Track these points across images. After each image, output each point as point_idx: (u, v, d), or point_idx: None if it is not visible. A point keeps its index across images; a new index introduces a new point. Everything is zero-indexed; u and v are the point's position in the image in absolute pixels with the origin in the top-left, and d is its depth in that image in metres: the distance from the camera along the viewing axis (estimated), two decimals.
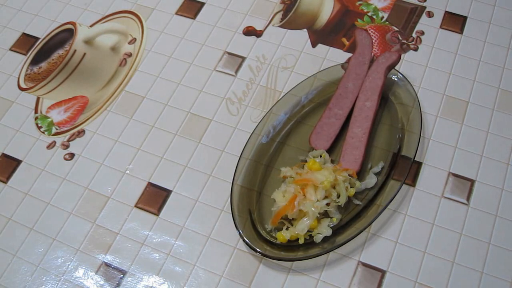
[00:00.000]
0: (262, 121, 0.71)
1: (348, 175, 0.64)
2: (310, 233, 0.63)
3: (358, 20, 0.82)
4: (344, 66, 0.74)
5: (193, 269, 0.64)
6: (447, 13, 0.82)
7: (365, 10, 0.83)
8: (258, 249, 0.62)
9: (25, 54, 0.83)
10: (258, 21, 0.83)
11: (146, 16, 0.85)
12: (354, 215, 0.64)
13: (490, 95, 0.74)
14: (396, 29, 0.81)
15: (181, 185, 0.70)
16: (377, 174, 0.67)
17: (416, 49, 0.78)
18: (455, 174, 0.68)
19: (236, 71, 0.78)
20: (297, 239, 0.63)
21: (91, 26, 0.85)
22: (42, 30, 0.85)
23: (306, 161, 0.67)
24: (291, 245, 0.63)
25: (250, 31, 0.82)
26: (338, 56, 0.79)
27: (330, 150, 0.68)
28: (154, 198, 0.69)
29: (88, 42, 0.83)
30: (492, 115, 0.72)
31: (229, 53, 0.80)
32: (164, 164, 0.71)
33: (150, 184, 0.70)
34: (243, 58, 0.79)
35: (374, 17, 0.82)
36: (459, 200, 0.67)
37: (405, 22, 0.81)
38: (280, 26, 0.82)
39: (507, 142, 0.70)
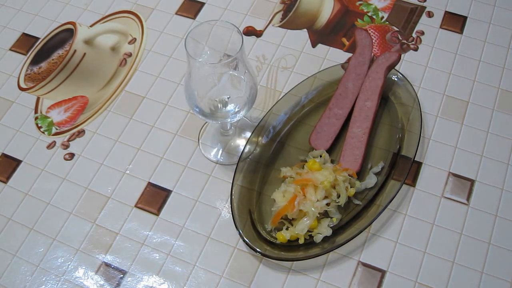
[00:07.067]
0: (262, 121, 0.71)
1: (348, 175, 0.64)
2: (310, 233, 0.63)
3: (358, 20, 0.82)
4: (344, 66, 0.74)
5: (193, 269, 0.64)
6: (447, 13, 0.82)
7: (365, 10, 0.83)
8: (258, 249, 0.62)
9: (25, 54, 0.83)
10: (258, 21, 0.83)
11: (146, 16, 0.85)
12: (354, 215, 0.64)
13: (490, 95, 0.74)
14: (396, 29, 0.81)
15: (181, 185, 0.70)
16: (377, 174, 0.67)
17: (416, 49, 0.78)
18: (455, 174, 0.68)
19: None
20: (297, 239, 0.63)
21: (91, 26, 0.85)
22: (42, 30, 0.85)
23: (306, 161, 0.67)
24: (291, 245, 0.63)
25: (250, 31, 0.82)
26: (338, 56, 0.79)
27: (330, 150, 0.69)
28: (154, 198, 0.69)
29: (88, 42, 0.83)
30: (492, 115, 0.72)
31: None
32: (164, 164, 0.71)
33: (150, 184, 0.70)
34: None
35: (374, 17, 0.82)
36: (459, 200, 0.67)
37: (405, 22, 0.81)
38: (280, 26, 0.82)
39: (507, 142, 0.70)
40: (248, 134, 0.72)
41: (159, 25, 0.84)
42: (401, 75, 0.72)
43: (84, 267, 0.65)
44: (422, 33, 0.80)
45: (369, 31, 0.80)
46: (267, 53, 0.79)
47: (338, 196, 0.64)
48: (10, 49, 0.84)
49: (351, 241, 0.62)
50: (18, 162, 0.73)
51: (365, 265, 0.63)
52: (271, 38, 0.81)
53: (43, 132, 0.75)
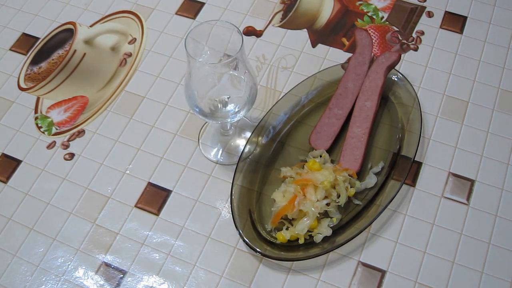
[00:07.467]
0: (262, 121, 0.71)
1: (348, 175, 0.64)
2: (310, 233, 0.63)
3: (358, 20, 0.82)
4: (344, 66, 0.74)
5: (193, 269, 0.64)
6: (447, 13, 0.82)
7: (365, 10, 0.83)
8: (258, 249, 0.62)
9: (25, 54, 0.83)
10: (258, 21, 0.83)
11: (146, 16, 0.85)
12: (354, 215, 0.64)
13: (490, 95, 0.74)
14: (396, 29, 0.81)
15: (181, 185, 0.70)
16: (377, 174, 0.67)
17: (416, 49, 0.78)
18: (455, 174, 0.68)
19: None
20: (297, 239, 0.63)
21: (91, 26, 0.85)
22: (42, 30, 0.85)
23: (306, 161, 0.67)
24: (291, 245, 0.63)
25: (250, 31, 0.82)
26: (338, 56, 0.79)
27: (330, 150, 0.69)
28: (154, 198, 0.69)
29: (88, 42, 0.83)
30: (492, 115, 0.72)
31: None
32: (164, 164, 0.71)
33: (150, 184, 0.70)
34: None
35: (374, 17, 0.82)
36: (459, 200, 0.67)
37: (405, 22, 0.81)
38: (280, 26, 0.82)
39: (507, 142, 0.70)
40: (248, 134, 0.72)
41: (159, 25, 0.84)
42: (401, 75, 0.72)
43: (84, 267, 0.65)
44: (422, 33, 0.80)
45: (369, 31, 0.80)
46: (267, 53, 0.79)
47: (338, 196, 0.64)
48: (10, 49, 0.84)
49: (351, 241, 0.62)
50: (18, 162, 0.73)
51: (365, 265, 0.63)
52: (271, 38, 0.81)
53: (43, 132, 0.75)
